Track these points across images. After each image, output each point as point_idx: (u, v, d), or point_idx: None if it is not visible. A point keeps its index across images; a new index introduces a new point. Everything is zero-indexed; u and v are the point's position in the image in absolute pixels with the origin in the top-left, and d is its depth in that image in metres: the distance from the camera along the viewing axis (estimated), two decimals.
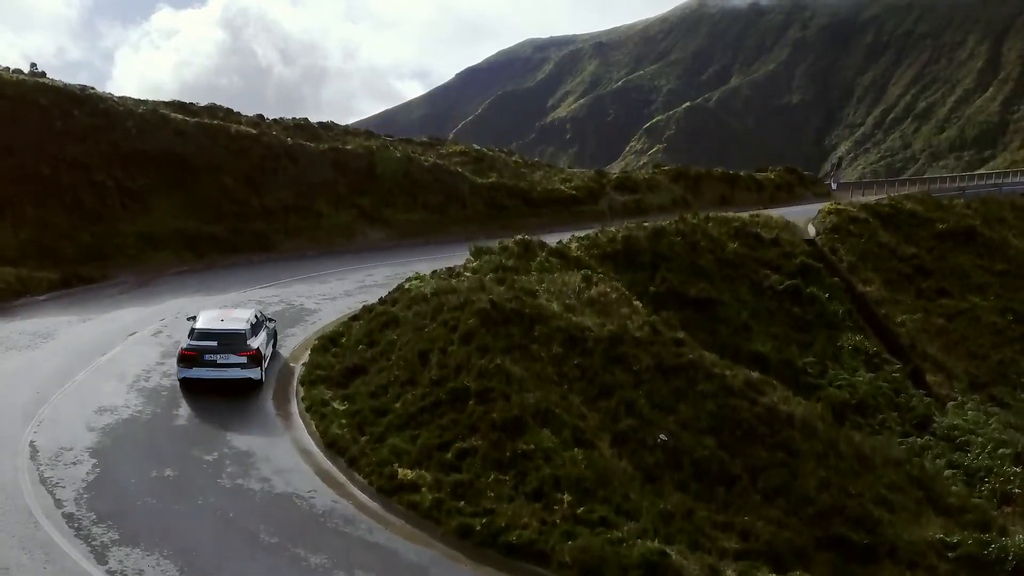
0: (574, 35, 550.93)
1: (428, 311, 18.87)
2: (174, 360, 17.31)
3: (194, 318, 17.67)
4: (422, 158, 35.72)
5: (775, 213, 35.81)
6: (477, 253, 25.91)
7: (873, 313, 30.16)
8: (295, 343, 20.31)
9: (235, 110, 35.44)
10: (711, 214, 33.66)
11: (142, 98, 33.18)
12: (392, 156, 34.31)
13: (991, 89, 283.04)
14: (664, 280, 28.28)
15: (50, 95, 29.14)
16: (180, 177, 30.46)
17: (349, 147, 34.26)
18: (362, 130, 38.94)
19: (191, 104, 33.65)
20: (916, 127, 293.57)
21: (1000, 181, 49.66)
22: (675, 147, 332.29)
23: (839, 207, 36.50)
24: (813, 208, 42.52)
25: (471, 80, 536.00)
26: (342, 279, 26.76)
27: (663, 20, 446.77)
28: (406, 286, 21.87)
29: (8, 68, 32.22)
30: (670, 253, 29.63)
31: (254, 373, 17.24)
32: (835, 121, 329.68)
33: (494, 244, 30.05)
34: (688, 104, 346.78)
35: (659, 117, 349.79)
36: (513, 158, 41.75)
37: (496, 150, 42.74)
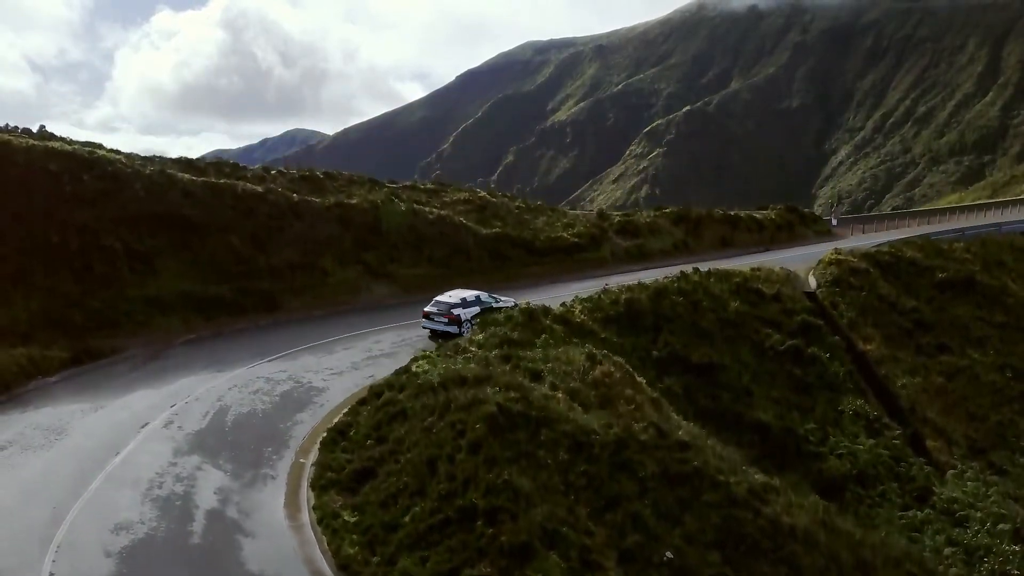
0: (574, 38, 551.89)
1: (436, 405, 19.15)
2: (185, 459, 18.06)
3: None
4: (427, 210, 35.96)
5: (776, 265, 36.02)
6: (483, 325, 26.29)
7: (873, 374, 30.44)
8: (304, 432, 20.58)
9: (241, 164, 35.66)
10: (713, 268, 33.91)
11: (149, 156, 33.42)
12: (397, 210, 34.59)
13: (991, 94, 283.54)
14: (667, 344, 28.66)
15: (59, 160, 29.39)
16: (187, 238, 30.75)
17: (354, 200, 34.51)
18: (366, 177, 39.10)
19: (197, 161, 33.95)
20: (916, 131, 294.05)
21: (1000, 220, 49.80)
22: (675, 151, 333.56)
23: (839, 257, 36.75)
24: (814, 251, 42.93)
25: (471, 82, 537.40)
26: (349, 347, 27.03)
27: (663, 23, 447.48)
28: (413, 368, 22.15)
29: (17, 129, 32.55)
30: (672, 314, 29.99)
31: (452, 329, 27.63)
32: (835, 125, 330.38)
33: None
34: (688, 108, 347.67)
35: (659, 121, 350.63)
36: (516, 203, 41.99)
37: (500, 194, 43.07)
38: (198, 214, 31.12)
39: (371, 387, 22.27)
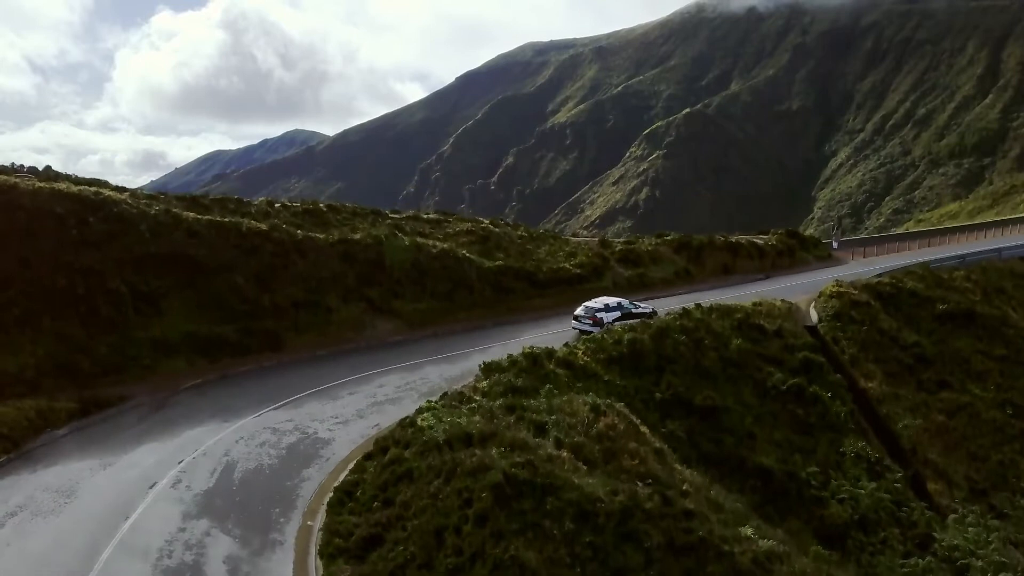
0: (574, 39, 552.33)
1: (442, 467, 19.34)
2: (194, 523, 18.40)
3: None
4: (430, 243, 36.12)
5: (777, 299, 36.20)
6: (487, 371, 26.49)
7: (875, 413, 30.62)
8: (311, 489, 20.73)
9: (245, 200, 35.81)
10: (715, 303, 34.12)
11: (153, 194, 33.58)
12: (400, 245, 34.76)
13: (990, 96, 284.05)
14: (670, 385, 28.86)
15: (65, 203, 29.55)
16: (192, 277, 30.93)
17: (358, 236, 34.67)
18: (369, 209, 39.22)
19: (202, 197, 34.09)
20: (916, 134, 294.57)
21: (1000, 244, 49.96)
22: (675, 153, 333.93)
23: (840, 289, 36.92)
24: (815, 280, 43.13)
25: (471, 84, 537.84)
26: (354, 392, 27.19)
27: (662, 25, 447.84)
28: (418, 421, 22.32)
29: (23, 167, 32.71)
30: (675, 354, 30.20)
31: (595, 329, 31.83)
32: (835, 127, 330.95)
33: (501, 349, 30.71)
34: (688, 110, 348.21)
35: (659, 123, 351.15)
36: (519, 232, 42.16)
37: (502, 223, 43.18)
38: (203, 253, 31.28)
39: (376, 440, 22.49)
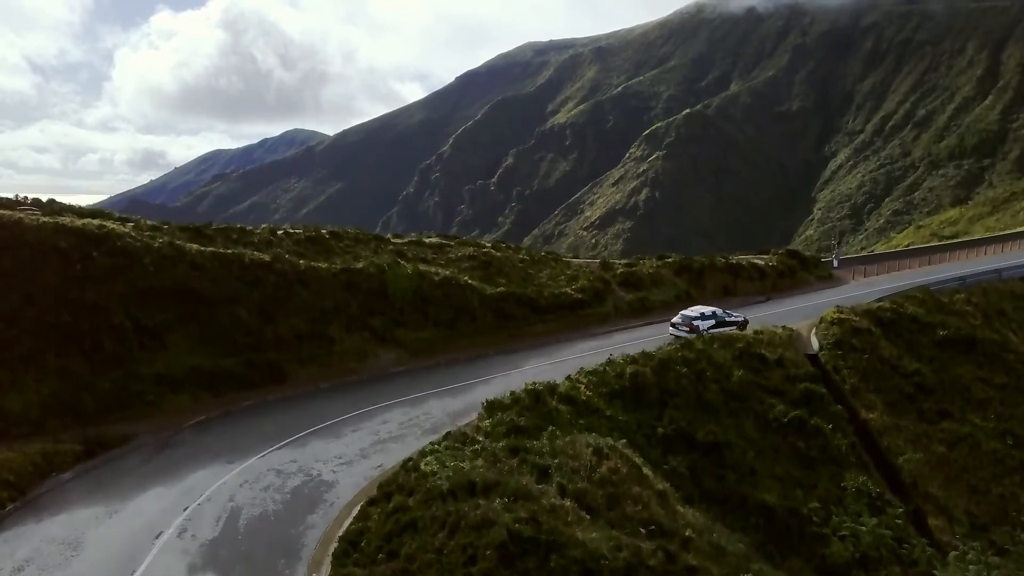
0: (573, 39, 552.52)
1: (446, 519, 19.43)
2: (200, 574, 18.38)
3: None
4: (432, 271, 36.22)
5: (779, 326, 36.31)
6: (489, 409, 26.58)
7: (876, 445, 30.74)
8: (316, 537, 20.82)
9: (248, 228, 35.91)
10: (718, 334, 34.21)
11: (156, 224, 33.67)
12: (403, 273, 34.85)
13: (990, 97, 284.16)
14: (672, 420, 28.98)
15: (69, 238, 29.63)
16: (195, 311, 31.02)
17: (360, 265, 34.77)
18: (371, 235, 39.32)
19: (205, 227, 34.15)
20: (916, 135, 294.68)
21: (1000, 265, 50.07)
22: (674, 154, 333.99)
23: (841, 316, 37.04)
24: (815, 303, 43.27)
25: (470, 84, 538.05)
26: (357, 429, 27.29)
27: (662, 25, 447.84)
28: (422, 466, 22.39)
29: (27, 199, 32.84)
30: (676, 387, 30.31)
31: (689, 335, 34.41)
32: (834, 128, 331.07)
33: (503, 379, 30.81)
34: (688, 111, 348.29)
35: (659, 124, 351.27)
36: (520, 255, 42.24)
37: (504, 246, 43.24)
38: (206, 286, 31.37)
39: (380, 484, 22.56)
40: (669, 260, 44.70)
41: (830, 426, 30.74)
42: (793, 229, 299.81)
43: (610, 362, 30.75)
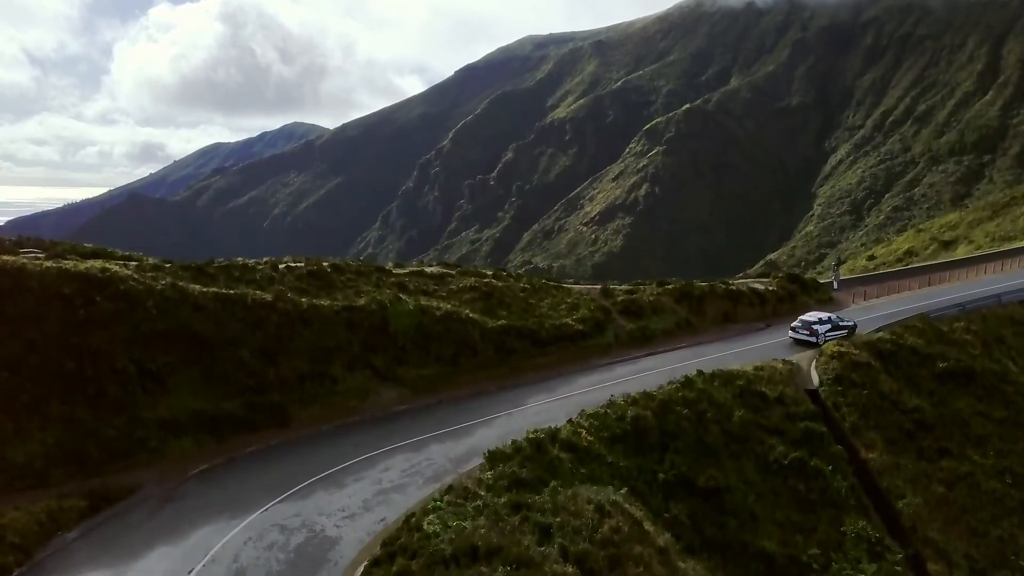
0: (573, 32, 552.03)
1: None
2: None
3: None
4: (434, 305, 36.36)
5: (779, 360, 36.49)
6: (491, 460, 26.77)
7: (876, 486, 30.94)
8: None
9: (250, 263, 36.04)
10: (716, 370, 34.43)
11: (159, 263, 33.80)
12: (405, 310, 35.01)
13: (990, 93, 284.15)
14: (673, 465, 29.17)
15: (73, 283, 29.74)
16: (198, 353, 31.15)
17: (362, 301, 34.89)
18: (373, 266, 39.42)
19: (207, 266, 34.26)
20: (916, 130, 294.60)
21: (1000, 289, 50.21)
22: (674, 149, 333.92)
23: (841, 349, 37.20)
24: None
25: (470, 78, 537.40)
26: (359, 478, 27.44)
27: (661, 20, 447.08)
28: (424, 526, 22.58)
29: (29, 239, 32.93)
30: (677, 430, 30.51)
31: (812, 339, 41.21)
32: (834, 124, 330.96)
33: (505, 420, 30.99)
34: (688, 106, 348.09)
35: (659, 119, 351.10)
36: (522, 284, 42.37)
37: (505, 274, 43.38)
38: (209, 329, 31.50)
39: (383, 542, 22.74)
40: (669, 287, 44.85)
41: (830, 467, 30.95)
42: (793, 225, 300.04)
43: (611, 404, 30.92)
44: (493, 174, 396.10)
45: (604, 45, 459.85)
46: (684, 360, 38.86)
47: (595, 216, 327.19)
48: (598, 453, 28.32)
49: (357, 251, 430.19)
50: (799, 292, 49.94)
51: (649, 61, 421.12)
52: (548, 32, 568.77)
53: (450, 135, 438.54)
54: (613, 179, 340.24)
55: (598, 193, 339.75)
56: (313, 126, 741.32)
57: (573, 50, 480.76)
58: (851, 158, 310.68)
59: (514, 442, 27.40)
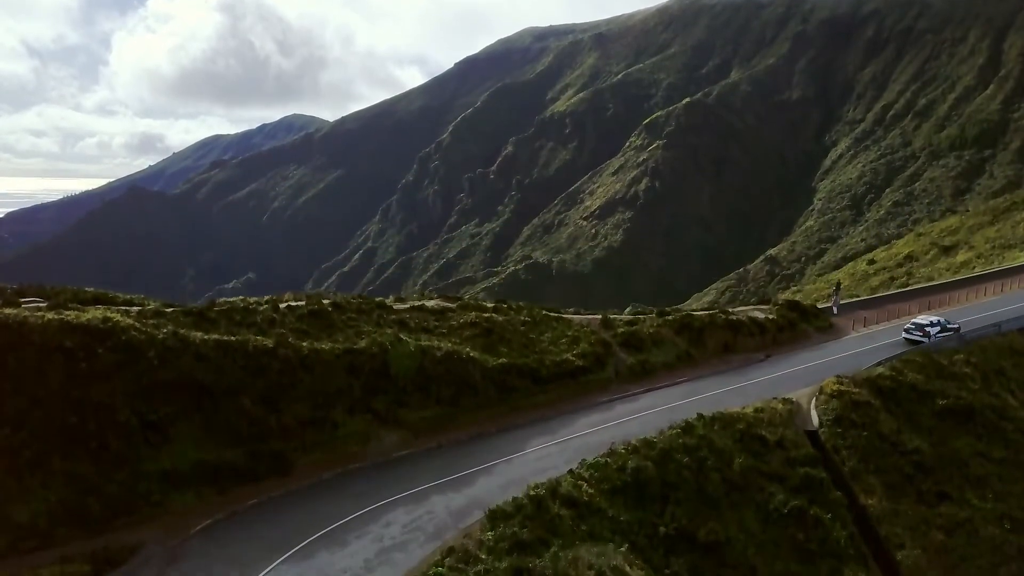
0: (573, 24, 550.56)
1: None
2: None
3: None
4: (435, 345, 36.42)
5: (779, 401, 36.61)
6: (492, 519, 26.85)
7: (875, 534, 31.07)
8: None
9: (252, 305, 36.11)
10: (717, 413, 34.57)
11: (160, 308, 33.85)
12: (406, 351, 35.07)
13: (991, 87, 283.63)
14: (673, 517, 29.29)
15: (75, 335, 29.77)
16: (200, 402, 31.23)
17: (363, 344, 34.95)
18: (374, 303, 39.49)
19: (208, 310, 34.31)
20: (916, 124, 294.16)
21: (1000, 318, 50.26)
22: (675, 143, 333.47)
23: (841, 388, 37.31)
24: (815, 364, 43.61)
25: (470, 70, 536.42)
26: (361, 534, 27.55)
27: (661, 12, 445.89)
28: None
29: (31, 287, 33.01)
30: (678, 480, 30.63)
31: (922, 339, 47.17)
32: (835, 118, 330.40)
33: (505, 467, 31.11)
34: (688, 100, 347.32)
35: (659, 113, 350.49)
36: (522, 316, 42.43)
37: (505, 307, 43.40)
38: (211, 378, 31.56)
39: None
40: (669, 318, 44.90)
41: (829, 515, 31.08)
42: (793, 220, 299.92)
43: (612, 453, 31.05)
44: (493, 168, 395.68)
45: (604, 37, 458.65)
46: (684, 397, 38.98)
47: (595, 210, 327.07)
48: (599, 507, 28.44)
49: (357, 244, 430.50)
50: (799, 320, 50.01)
51: (649, 54, 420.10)
52: (548, 24, 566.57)
53: (450, 128, 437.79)
54: (613, 173, 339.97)
55: (598, 187, 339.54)
56: (312, 118, 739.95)
57: (573, 42, 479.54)
58: (851, 152, 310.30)
59: (515, 499, 27.53)
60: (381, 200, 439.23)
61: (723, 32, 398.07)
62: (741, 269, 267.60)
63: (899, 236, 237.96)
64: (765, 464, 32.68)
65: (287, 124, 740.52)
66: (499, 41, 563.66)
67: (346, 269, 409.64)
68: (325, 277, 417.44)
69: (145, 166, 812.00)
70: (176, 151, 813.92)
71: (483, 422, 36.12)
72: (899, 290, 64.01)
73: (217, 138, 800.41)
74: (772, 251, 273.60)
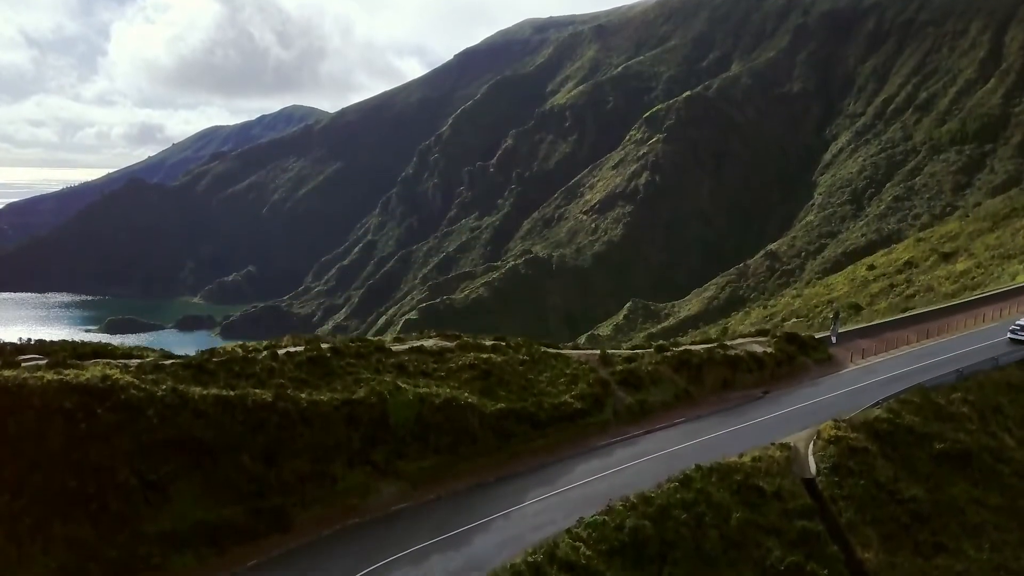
0: (573, 15, 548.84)
1: None
2: None
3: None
4: (434, 392, 36.53)
5: (776, 448, 36.75)
6: None
7: None
8: None
9: (251, 354, 36.21)
10: (715, 464, 34.72)
11: (160, 362, 33.95)
12: (404, 400, 35.20)
13: (992, 81, 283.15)
14: None
15: (74, 396, 29.84)
16: (199, 460, 31.33)
17: (362, 393, 35.06)
18: (373, 345, 39.59)
19: (207, 362, 34.41)
20: (917, 118, 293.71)
21: (997, 351, 50.38)
22: (675, 137, 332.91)
23: (839, 434, 37.44)
24: (814, 401, 43.75)
25: (469, 62, 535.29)
26: None
27: (662, 3, 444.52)
28: None
29: (30, 340, 33.10)
30: (676, 538, 30.82)
31: None
32: (835, 111, 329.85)
33: (503, 522, 31.24)
34: (688, 93, 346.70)
35: (659, 106, 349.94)
36: (521, 354, 42.52)
37: (505, 344, 43.49)
38: (210, 435, 31.66)
39: None
40: (668, 354, 45.01)
41: (826, 571, 31.19)
42: (794, 214, 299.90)
43: (610, 510, 31.15)
44: (492, 161, 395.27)
45: (604, 29, 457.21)
46: (683, 440, 39.11)
47: (595, 205, 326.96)
48: (597, 570, 28.58)
49: (357, 237, 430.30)
50: (797, 353, 50.09)
51: (650, 46, 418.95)
52: (548, 15, 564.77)
53: (449, 121, 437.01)
54: (613, 167, 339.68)
55: (598, 181, 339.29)
56: (312, 109, 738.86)
57: (573, 34, 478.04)
58: (852, 146, 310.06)
59: (512, 566, 27.69)
60: (381, 193, 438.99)
61: (723, 24, 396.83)
62: (741, 264, 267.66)
63: (899, 231, 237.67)
64: (762, 517, 32.78)
65: (287, 115, 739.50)
66: (499, 32, 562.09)
67: (346, 263, 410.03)
68: (325, 270, 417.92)
69: (144, 156, 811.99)
70: (176, 142, 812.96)
71: (481, 471, 36.24)
72: (896, 316, 63.99)
73: (216, 129, 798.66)
74: (772, 246, 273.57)
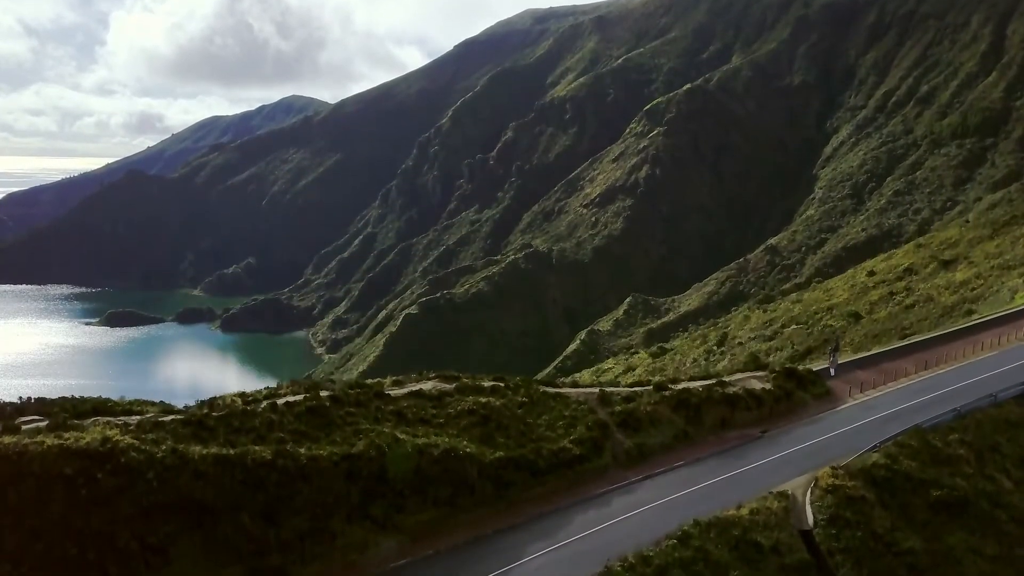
0: (574, 6, 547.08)
1: None
2: None
3: None
4: (432, 443, 36.64)
5: (774, 497, 36.90)
6: None
7: None
8: None
9: (250, 406, 36.31)
10: (713, 518, 34.87)
11: (159, 418, 34.05)
12: (403, 453, 35.28)
13: (994, 74, 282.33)
14: None
15: (75, 461, 29.92)
16: (199, 520, 31.45)
17: (360, 448, 35.17)
18: (372, 392, 39.70)
19: (207, 417, 34.53)
20: (918, 112, 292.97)
21: (996, 387, 50.36)
22: (675, 130, 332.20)
23: (836, 483, 37.58)
24: (814, 440, 43.91)
25: (469, 52, 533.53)
26: None
27: None
28: None
29: (31, 399, 33.21)
30: None
31: None
32: (836, 104, 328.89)
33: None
34: (688, 86, 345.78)
35: (659, 99, 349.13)
36: (520, 397, 42.60)
37: (503, 388, 43.52)
38: (209, 495, 31.75)
39: None
40: (667, 393, 45.10)
41: None
42: (794, 208, 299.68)
43: (609, 572, 31.34)
44: (492, 153, 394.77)
45: (605, 21, 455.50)
46: (682, 487, 39.17)
47: (595, 198, 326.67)
48: None
49: (356, 230, 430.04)
50: (795, 389, 50.16)
51: (650, 38, 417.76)
52: (549, 6, 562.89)
53: (449, 113, 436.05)
54: (613, 160, 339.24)
55: (598, 174, 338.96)
56: (312, 99, 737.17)
57: (574, 25, 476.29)
58: (852, 140, 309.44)
59: None
60: (380, 185, 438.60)
61: (724, 16, 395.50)
62: (742, 259, 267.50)
63: (899, 226, 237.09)
64: (760, 574, 32.96)
65: (286, 105, 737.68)
66: (499, 23, 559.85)
67: (346, 255, 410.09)
68: (325, 263, 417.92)
69: (144, 146, 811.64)
70: (175, 132, 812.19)
71: (480, 522, 36.35)
72: (895, 346, 63.99)
73: (216, 119, 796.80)
74: (772, 240, 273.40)
